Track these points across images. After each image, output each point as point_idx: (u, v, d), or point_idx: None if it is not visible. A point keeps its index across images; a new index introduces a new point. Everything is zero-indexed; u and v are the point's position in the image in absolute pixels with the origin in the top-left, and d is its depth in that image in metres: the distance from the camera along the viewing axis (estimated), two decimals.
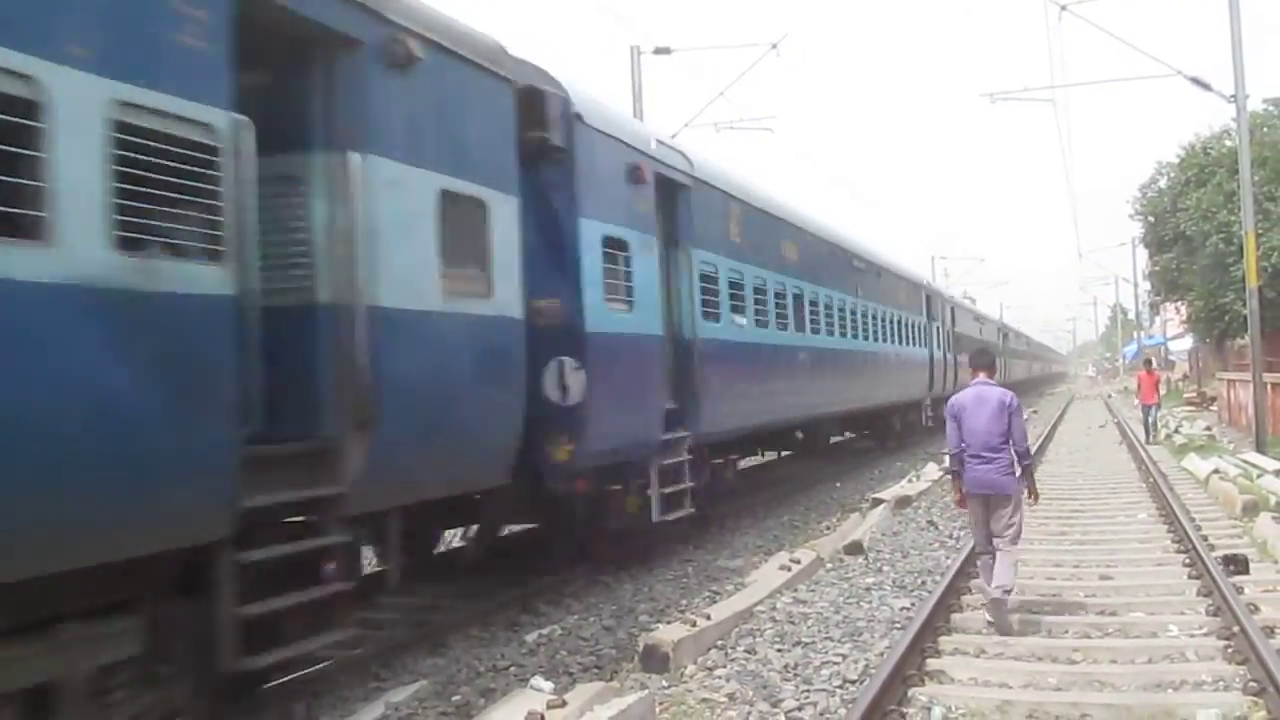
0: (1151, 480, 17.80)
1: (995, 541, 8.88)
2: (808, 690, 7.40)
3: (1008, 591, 8.68)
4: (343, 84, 7.12)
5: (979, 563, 9.23)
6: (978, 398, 9.02)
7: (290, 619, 6.47)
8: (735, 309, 14.66)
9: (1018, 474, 8.92)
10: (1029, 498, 9.35)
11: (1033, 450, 10.42)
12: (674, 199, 12.93)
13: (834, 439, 22.74)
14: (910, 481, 19.11)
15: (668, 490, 12.01)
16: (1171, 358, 67.16)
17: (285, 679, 7.19)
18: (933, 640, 8.28)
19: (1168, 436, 27.60)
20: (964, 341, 33.71)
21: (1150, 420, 28.10)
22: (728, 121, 27.45)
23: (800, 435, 20.05)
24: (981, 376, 9.30)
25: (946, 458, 9.79)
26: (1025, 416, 9.36)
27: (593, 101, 11.34)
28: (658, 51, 24.80)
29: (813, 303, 18.73)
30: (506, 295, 8.86)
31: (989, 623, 8.73)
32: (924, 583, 10.79)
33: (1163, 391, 39.04)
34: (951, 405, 9.17)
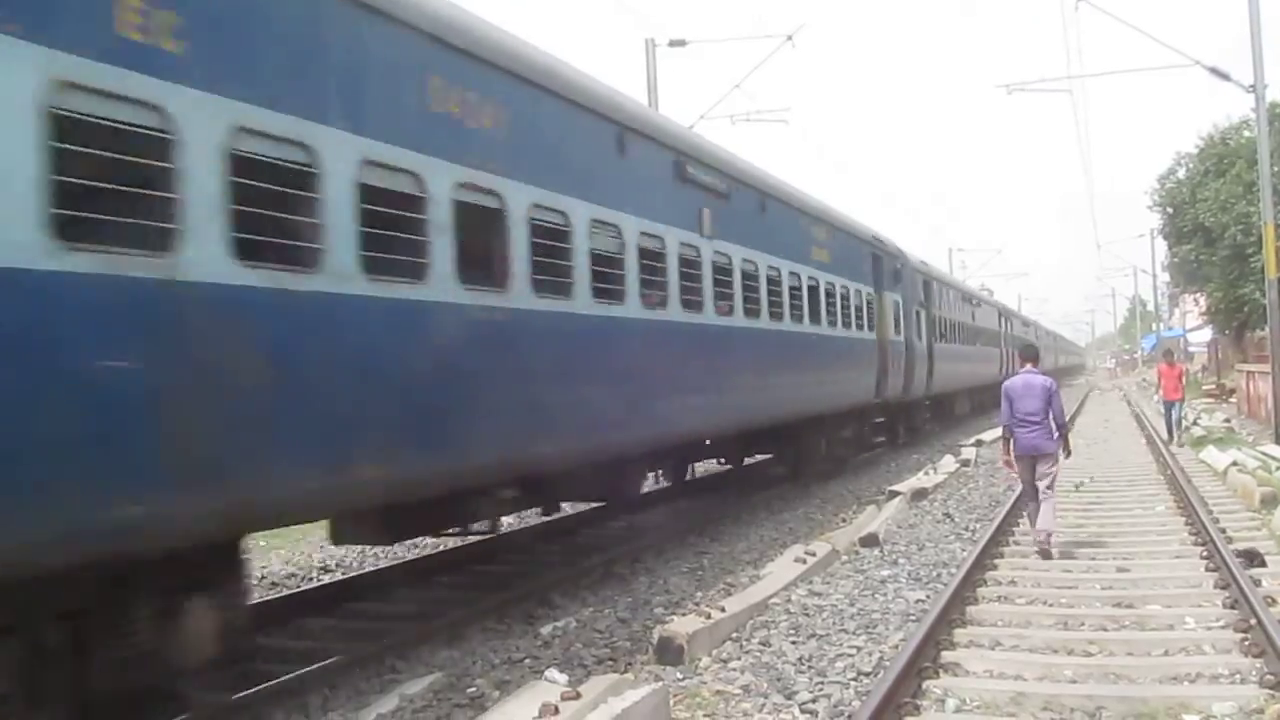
0: (1169, 473, 17.73)
1: (1040, 493, 11.46)
2: (822, 682, 7.39)
3: (1050, 534, 11.47)
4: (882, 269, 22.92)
5: (1026, 510, 11.96)
6: (1026, 383, 11.77)
7: (844, 443, 20.76)
8: (948, 334, 31.23)
9: (1055, 438, 11.64)
10: (1064, 455, 12.08)
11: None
12: (929, 289, 28.45)
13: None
14: (926, 474, 19.06)
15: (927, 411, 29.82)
16: (1190, 349, 66.83)
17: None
18: (948, 633, 8.27)
19: (1186, 429, 26.76)
20: (1017, 339, 46.40)
21: (1175, 418, 25.17)
22: (743, 114, 27.48)
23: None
24: (1029, 367, 12.16)
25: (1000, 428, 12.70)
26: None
27: (910, 255, 26.54)
28: (673, 44, 24.79)
29: (959, 324, 33.67)
30: (899, 331, 23.43)
31: (1036, 553, 11.44)
32: (939, 575, 10.77)
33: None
34: (1006, 388, 11.94)
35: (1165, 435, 24.89)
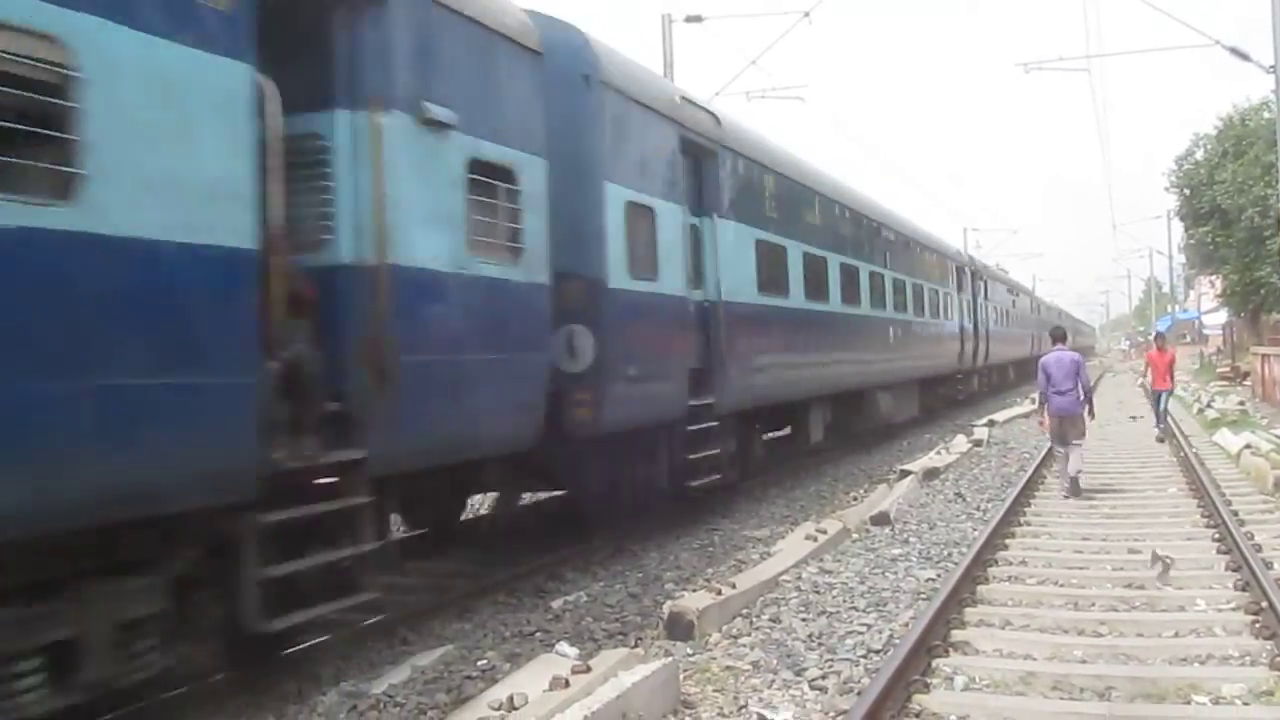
0: (1182, 455, 17.69)
1: (1070, 445, 14.10)
2: (831, 659, 7.41)
3: (1079, 473, 14.13)
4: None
5: (1057, 457, 14.62)
6: (1058, 359, 14.39)
7: (941, 396, 31.39)
8: (998, 320, 39.08)
9: (1081, 402, 14.23)
10: (1090, 417, 14.66)
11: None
12: (987, 286, 37.57)
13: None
14: (939, 454, 19.03)
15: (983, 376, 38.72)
16: (1205, 331, 66.54)
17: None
18: (958, 611, 8.27)
19: (1201, 411, 26.22)
20: (1043, 322, 55.72)
21: (1160, 409, 21.89)
22: (759, 90, 27.18)
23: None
24: (1059, 346, 14.78)
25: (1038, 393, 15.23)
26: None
27: (975, 260, 38.51)
28: (689, 20, 24.60)
29: (1004, 311, 42.21)
30: (969, 319, 33.60)
31: (1064, 496, 14.04)
32: (950, 554, 10.76)
33: (1195, 367, 38.05)
34: (1042, 363, 14.50)
35: (1155, 431, 21.81)
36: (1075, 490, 13.97)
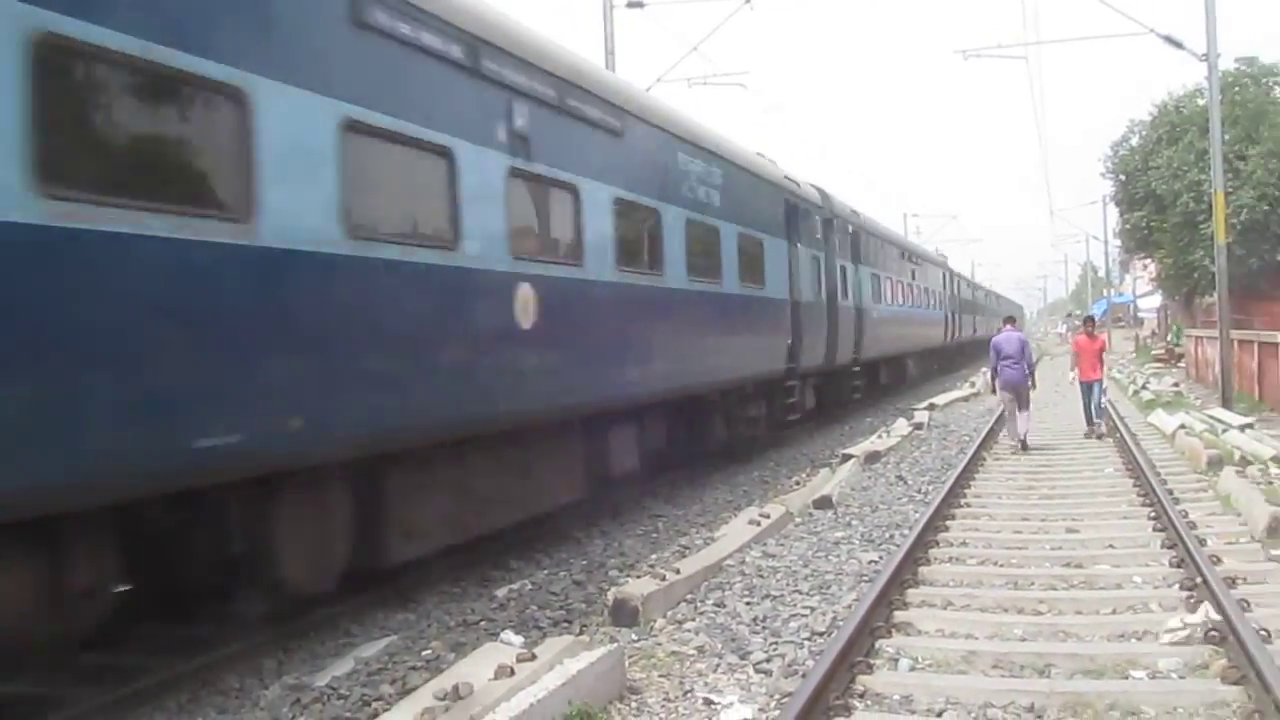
0: (1119, 436, 17.97)
1: (1019, 410, 17.38)
2: (776, 642, 7.44)
3: (1025, 434, 17.53)
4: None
5: (1007, 420, 17.84)
6: (1007, 338, 17.85)
7: (926, 369, 44.05)
8: (965, 309, 53.73)
9: (1026, 374, 17.57)
10: (1032, 387, 18.10)
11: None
12: (960, 285, 52.36)
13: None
14: (880, 437, 19.19)
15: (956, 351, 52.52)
16: (1141, 315, 67.69)
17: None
18: (900, 593, 8.35)
19: (1144, 399, 26.64)
20: (997, 310, 68.10)
21: (1093, 404, 19.17)
22: (700, 77, 27.15)
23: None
24: (1009, 327, 18.60)
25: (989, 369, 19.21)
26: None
27: (951, 266, 50.07)
28: (630, 5, 24.49)
29: (969, 302, 55.32)
30: (951, 310, 45.41)
31: (1012, 451, 17.28)
32: (892, 536, 10.86)
33: (1131, 351, 38.11)
34: (993, 341, 18.04)
35: (1085, 426, 19.23)
36: (1024, 447, 17.26)
